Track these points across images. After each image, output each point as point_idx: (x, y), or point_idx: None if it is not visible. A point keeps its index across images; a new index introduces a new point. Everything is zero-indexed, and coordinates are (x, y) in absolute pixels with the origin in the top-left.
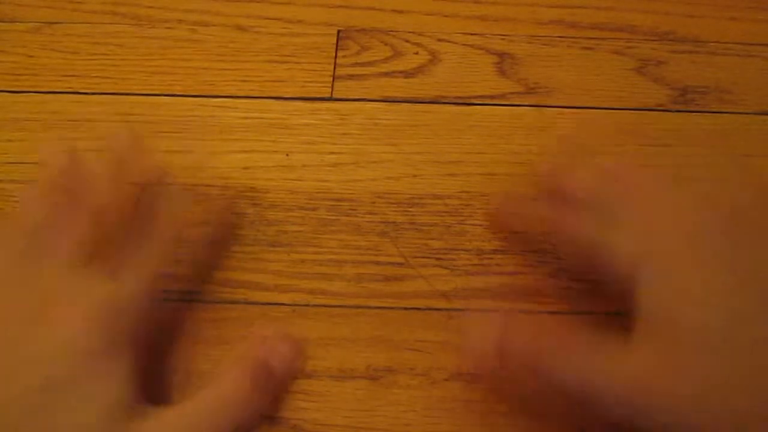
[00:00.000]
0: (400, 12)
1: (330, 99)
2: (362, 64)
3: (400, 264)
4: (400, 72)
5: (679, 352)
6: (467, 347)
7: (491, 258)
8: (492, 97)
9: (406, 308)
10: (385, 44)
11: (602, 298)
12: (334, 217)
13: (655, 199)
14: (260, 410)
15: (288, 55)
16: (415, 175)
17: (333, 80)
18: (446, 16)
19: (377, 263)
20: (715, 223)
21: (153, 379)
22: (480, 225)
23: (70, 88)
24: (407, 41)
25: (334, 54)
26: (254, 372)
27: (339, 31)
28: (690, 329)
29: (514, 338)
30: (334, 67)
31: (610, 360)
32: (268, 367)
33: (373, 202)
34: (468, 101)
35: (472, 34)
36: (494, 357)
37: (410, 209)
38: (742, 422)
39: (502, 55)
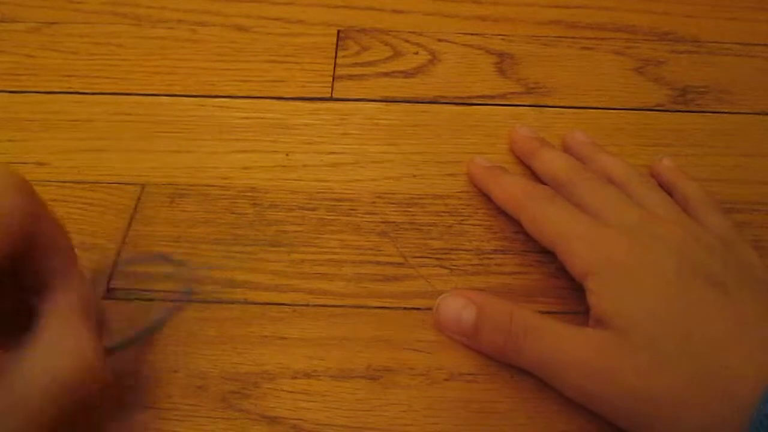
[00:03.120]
0: (400, 12)
1: (330, 99)
2: (362, 64)
3: (400, 264)
4: (400, 72)
5: (622, 344)
6: (442, 325)
7: (491, 258)
8: (492, 97)
9: (406, 308)
10: (385, 44)
11: None
12: (334, 217)
13: (612, 207)
14: None
15: (288, 55)
16: (415, 175)
17: (333, 80)
18: (446, 16)
19: (377, 263)
20: (666, 239)
21: (153, 378)
22: (480, 225)
23: (70, 88)
24: (407, 41)
25: (334, 54)
26: None
27: (339, 31)
28: (632, 324)
29: (485, 324)
30: (334, 67)
31: (569, 344)
32: None
33: (373, 202)
34: (468, 101)
35: (472, 34)
36: (471, 338)
37: (410, 209)
38: (679, 401)
39: (501, 55)
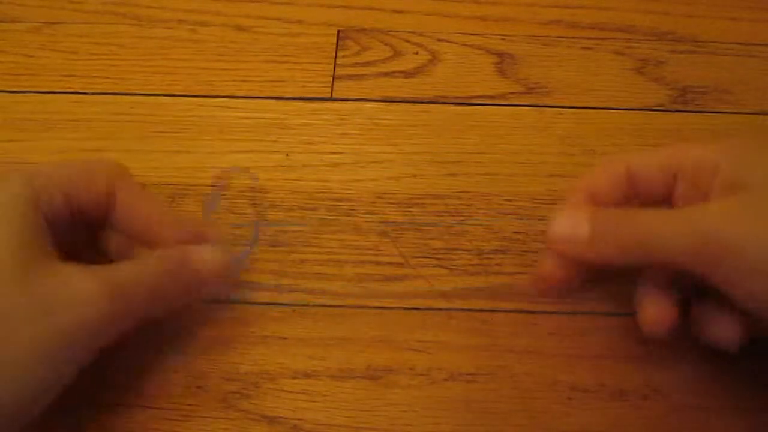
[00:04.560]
0: (400, 12)
1: (330, 99)
2: (362, 64)
3: (400, 264)
4: (400, 72)
5: (756, 203)
6: (558, 240)
7: (491, 258)
8: (492, 97)
9: (406, 308)
10: (385, 44)
11: (602, 299)
12: (334, 217)
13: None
14: (166, 304)
15: (288, 55)
16: (415, 175)
17: (333, 80)
18: (446, 16)
19: (377, 263)
20: None
21: (153, 378)
22: (480, 225)
23: (70, 88)
24: (407, 41)
25: (334, 54)
26: (175, 265)
27: (339, 31)
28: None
29: (602, 223)
30: (334, 67)
31: (691, 216)
32: (192, 270)
33: (373, 202)
34: (468, 101)
35: (472, 34)
36: (587, 245)
37: (410, 209)
38: None
39: (502, 55)
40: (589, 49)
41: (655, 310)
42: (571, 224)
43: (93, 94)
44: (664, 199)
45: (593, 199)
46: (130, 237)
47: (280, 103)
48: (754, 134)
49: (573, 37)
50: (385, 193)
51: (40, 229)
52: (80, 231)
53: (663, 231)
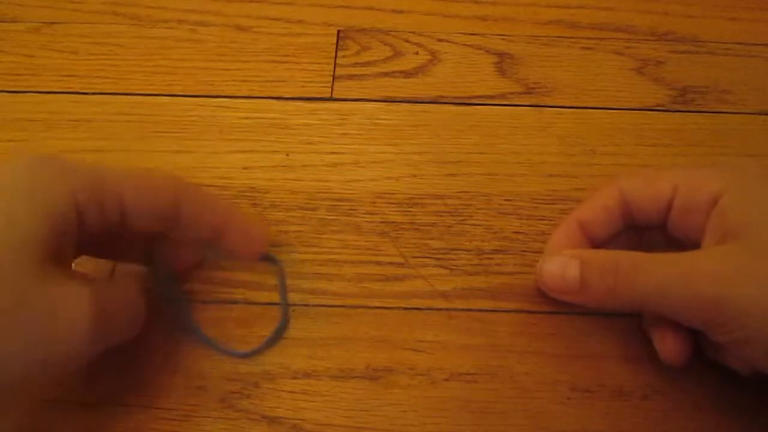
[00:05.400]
0: (400, 12)
1: (330, 99)
2: (362, 64)
3: (400, 264)
4: (400, 72)
5: (754, 258)
6: (548, 287)
7: (491, 258)
8: (492, 97)
9: (406, 308)
10: (385, 44)
11: None
12: (334, 217)
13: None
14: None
15: (288, 55)
16: (415, 175)
17: (333, 80)
18: (446, 16)
19: (377, 263)
20: None
21: (153, 378)
22: (480, 225)
23: (70, 88)
24: (407, 41)
25: (334, 54)
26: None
27: (339, 31)
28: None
29: (593, 272)
30: (334, 67)
31: (689, 262)
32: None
33: (373, 202)
34: (468, 101)
35: (472, 34)
36: (577, 292)
37: (410, 209)
38: None
39: (501, 55)
40: (589, 49)
41: (674, 344)
42: (561, 267)
43: (93, 94)
44: (659, 225)
45: (584, 228)
46: (198, 242)
47: (280, 103)
48: (755, 165)
49: (573, 37)
50: (385, 193)
51: (54, 237)
52: (132, 241)
53: (658, 284)
